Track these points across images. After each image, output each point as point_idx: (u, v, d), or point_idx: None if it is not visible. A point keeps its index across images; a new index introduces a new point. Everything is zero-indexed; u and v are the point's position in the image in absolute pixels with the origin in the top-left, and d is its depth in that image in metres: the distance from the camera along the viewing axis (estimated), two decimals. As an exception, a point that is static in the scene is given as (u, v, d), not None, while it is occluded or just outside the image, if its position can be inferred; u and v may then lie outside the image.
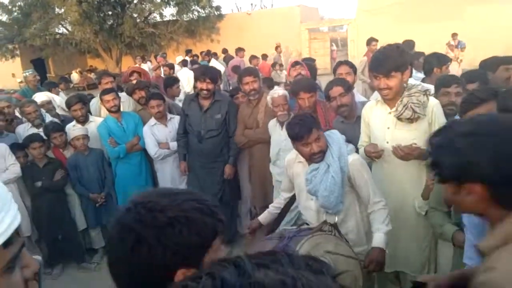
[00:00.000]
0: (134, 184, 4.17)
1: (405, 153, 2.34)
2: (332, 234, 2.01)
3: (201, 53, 13.45)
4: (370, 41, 7.61)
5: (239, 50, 9.96)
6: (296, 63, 4.14)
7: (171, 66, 8.13)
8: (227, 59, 10.57)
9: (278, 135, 3.43)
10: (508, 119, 1.12)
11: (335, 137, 2.32)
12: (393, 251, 2.51)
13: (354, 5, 19.72)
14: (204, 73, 3.85)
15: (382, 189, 2.42)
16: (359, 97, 3.61)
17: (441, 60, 3.98)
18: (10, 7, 16.17)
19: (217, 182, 3.97)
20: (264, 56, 12.21)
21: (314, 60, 5.91)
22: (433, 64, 3.90)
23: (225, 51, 12.61)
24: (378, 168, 2.61)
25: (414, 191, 2.48)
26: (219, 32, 18.60)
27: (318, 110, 3.27)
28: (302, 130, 2.18)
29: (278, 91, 3.39)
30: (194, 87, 4.21)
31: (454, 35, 10.61)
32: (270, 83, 4.74)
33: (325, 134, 2.32)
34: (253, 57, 10.29)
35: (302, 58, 7.18)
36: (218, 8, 18.37)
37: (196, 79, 3.93)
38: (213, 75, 3.89)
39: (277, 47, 13.76)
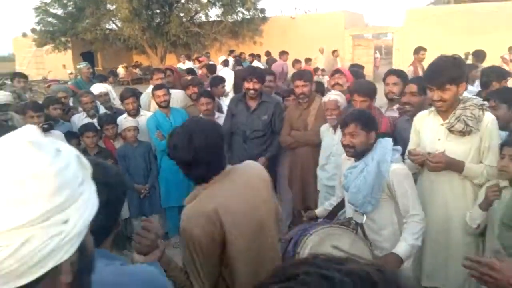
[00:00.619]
0: (176, 178, 4.26)
1: (434, 163, 2.31)
2: (354, 232, 2.16)
3: (241, 54, 13.59)
4: (419, 50, 7.38)
5: (283, 53, 9.96)
6: (336, 72, 4.17)
7: (211, 68, 8.23)
8: (269, 61, 10.61)
9: (330, 139, 3.42)
10: None
11: (383, 142, 2.30)
12: (433, 266, 2.46)
13: (401, 13, 19.27)
14: (251, 73, 3.94)
15: (427, 201, 2.37)
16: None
17: (500, 74, 3.82)
18: (65, 1, 16.99)
19: None
20: (307, 60, 12.16)
21: (362, 67, 5.80)
22: (492, 77, 3.75)
23: (268, 53, 12.66)
24: (424, 179, 2.54)
25: (458, 204, 2.42)
26: (262, 34, 18.69)
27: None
28: (343, 119, 2.37)
29: (330, 96, 3.38)
30: (236, 87, 4.30)
31: (510, 49, 10.12)
32: (319, 87, 4.70)
33: (378, 140, 2.32)
34: (296, 61, 10.26)
35: (350, 64, 7.07)
36: (262, 10, 18.47)
37: (243, 79, 4.00)
38: (260, 75, 3.96)
39: (334, 51, 13.66)
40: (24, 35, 18.18)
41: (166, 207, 4.37)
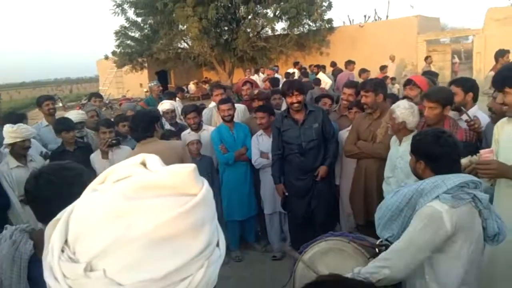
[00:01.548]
0: (238, 191, 4.29)
1: (483, 170, 2.06)
2: (369, 259, 1.92)
3: (309, 66, 13.45)
4: (503, 53, 6.64)
5: (349, 63, 9.61)
6: (408, 82, 3.93)
7: (274, 81, 8.22)
8: (335, 72, 10.32)
9: (395, 151, 3.17)
10: None
11: (439, 178, 1.83)
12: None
13: (482, 14, 17.82)
14: (290, 86, 3.82)
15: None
16: (481, 115, 3.17)
17: None
18: (142, 24, 18.25)
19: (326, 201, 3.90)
20: (382, 67, 11.62)
21: (436, 74, 5.36)
22: None
23: (333, 64, 12.35)
24: (504, 193, 2.22)
25: None
26: (329, 45, 18.39)
27: (445, 125, 2.92)
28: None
29: (398, 105, 3.12)
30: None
31: None
32: (393, 98, 4.40)
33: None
34: (362, 71, 9.86)
35: (423, 71, 6.57)
36: (329, 21, 18.18)
37: (284, 95, 3.97)
38: (300, 87, 3.85)
39: (427, 57, 13.03)
40: (106, 57, 19.80)
41: (228, 221, 4.36)
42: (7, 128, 3.44)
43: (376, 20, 23.22)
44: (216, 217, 0.61)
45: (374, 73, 13.35)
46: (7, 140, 3.38)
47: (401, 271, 1.77)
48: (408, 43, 17.37)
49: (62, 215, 0.57)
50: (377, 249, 1.99)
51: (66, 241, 0.54)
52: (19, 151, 3.47)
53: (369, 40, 18.19)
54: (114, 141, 3.87)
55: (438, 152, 1.88)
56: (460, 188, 1.78)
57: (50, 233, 0.56)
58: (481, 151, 2.24)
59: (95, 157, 3.88)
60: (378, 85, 3.58)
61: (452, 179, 1.79)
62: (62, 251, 0.53)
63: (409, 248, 1.76)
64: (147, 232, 0.51)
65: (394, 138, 3.25)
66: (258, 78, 12.61)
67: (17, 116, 4.16)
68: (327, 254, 2.08)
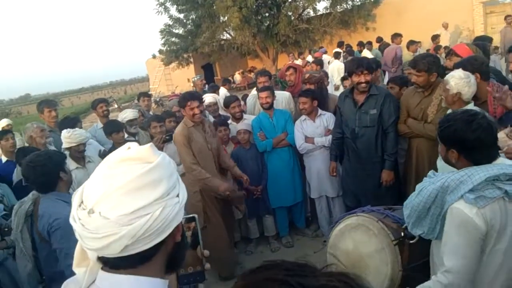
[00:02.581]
0: (283, 177, 4.29)
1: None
2: (393, 242, 2.03)
3: (358, 43, 12.92)
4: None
5: (396, 36, 9.09)
6: (448, 52, 3.63)
7: (319, 62, 8.05)
8: (382, 47, 9.84)
9: None
10: None
11: (475, 171, 1.68)
12: None
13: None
14: (359, 65, 3.57)
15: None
16: None
17: None
18: (185, 21, 18.61)
19: (377, 189, 3.64)
20: (434, 37, 10.84)
21: (489, 39, 4.93)
22: None
23: (379, 39, 11.75)
24: None
25: None
26: (375, 19, 17.59)
27: (489, 98, 2.72)
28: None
29: (452, 75, 2.91)
30: (343, 79, 4.01)
31: None
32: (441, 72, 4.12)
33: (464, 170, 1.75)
34: (411, 42, 9.32)
35: (474, 37, 6.09)
36: (373, -6, 17.39)
37: (350, 73, 3.68)
38: (369, 66, 3.59)
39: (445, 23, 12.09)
40: (154, 56, 20.47)
41: (276, 208, 4.37)
42: (64, 133, 3.70)
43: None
44: (175, 177, 0.90)
45: (426, 45, 12.60)
46: (64, 145, 3.67)
47: (467, 278, 1.69)
48: (462, 7, 16.16)
49: (83, 185, 0.88)
50: (402, 233, 2.02)
51: (82, 201, 0.85)
52: (75, 154, 3.72)
53: (418, 9, 17.12)
54: (167, 137, 4.02)
55: (472, 138, 1.69)
56: (490, 183, 1.62)
57: (74, 197, 0.87)
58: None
59: None
60: (432, 64, 3.23)
61: (479, 174, 1.63)
62: (79, 205, 0.84)
63: (460, 261, 1.67)
64: (122, 186, 0.80)
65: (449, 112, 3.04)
66: (300, 62, 12.40)
67: (71, 120, 4.43)
68: (356, 230, 2.21)
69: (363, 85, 3.53)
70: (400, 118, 3.55)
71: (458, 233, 1.66)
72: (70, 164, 3.61)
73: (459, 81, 2.73)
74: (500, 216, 1.63)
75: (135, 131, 4.67)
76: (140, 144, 0.88)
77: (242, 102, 5.14)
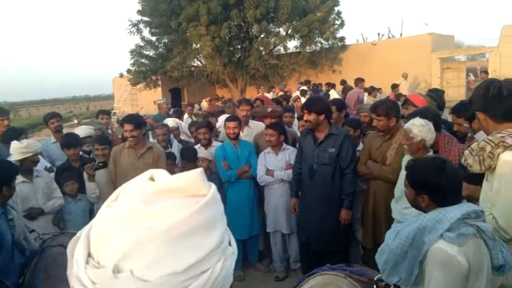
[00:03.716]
0: (241, 209, 4.24)
1: None
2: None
3: (319, 85, 13.40)
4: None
5: (359, 80, 9.54)
6: (404, 102, 3.88)
7: (285, 97, 8.28)
8: (345, 90, 10.26)
9: None
10: None
11: (450, 210, 1.71)
12: None
13: (497, 31, 17.64)
14: (307, 105, 3.71)
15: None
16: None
17: None
18: (156, 43, 18.61)
19: (332, 230, 3.65)
20: (394, 86, 11.51)
21: (441, 92, 5.28)
22: None
23: (343, 82, 12.29)
24: None
25: None
26: (342, 62, 18.41)
27: (440, 141, 2.94)
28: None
29: (408, 124, 3.04)
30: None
31: None
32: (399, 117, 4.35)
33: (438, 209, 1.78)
34: (372, 88, 9.79)
35: (428, 89, 6.49)
36: (342, 39, 18.23)
37: (302, 111, 3.83)
38: (310, 105, 3.66)
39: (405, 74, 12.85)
40: (121, 75, 20.16)
41: (231, 240, 4.29)
42: (16, 144, 3.42)
43: (390, 38, 23.20)
44: (225, 218, 0.65)
45: (387, 91, 13.29)
46: (16, 157, 3.34)
47: None
48: (421, 61, 17.28)
49: (82, 232, 0.62)
50: (374, 286, 1.90)
51: (89, 254, 0.59)
52: (29, 165, 3.44)
53: (382, 58, 18.16)
54: (100, 164, 3.83)
55: (443, 184, 1.74)
56: (462, 221, 1.66)
57: (72, 249, 0.61)
58: None
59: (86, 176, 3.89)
60: (391, 109, 3.40)
61: (454, 212, 1.67)
62: (87, 262, 0.58)
63: None
64: (165, 231, 0.55)
65: (407, 157, 3.14)
66: (270, 96, 12.64)
67: (15, 131, 4.14)
68: None
69: (307, 123, 3.64)
70: (361, 159, 3.66)
71: (442, 273, 1.64)
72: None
73: (421, 128, 2.85)
74: (476, 253, 1.66)
75: (88, 149, 4.48)
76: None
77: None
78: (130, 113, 19.04)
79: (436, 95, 4.37)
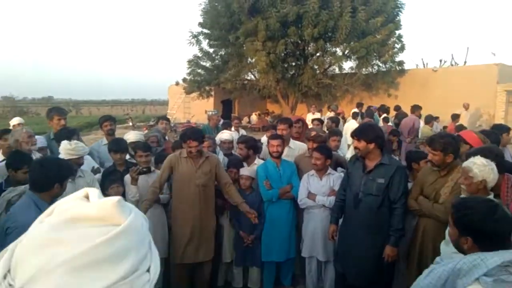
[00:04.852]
0: (280, 230, 4.13)
1: None
2: None
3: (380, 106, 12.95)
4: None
5: (416, 108, 9.09)
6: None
7: (335, 120, 8.10)
8: (399, 116, 9.83)
9: None
10: None
11: (478, 256, 1.62)
12: None
13: None
14: (357, 132, 3.49)
15: None
16: None
17: None
18: (213, 55, 19.14)
19: (373, 265, 3.41)
20: (454, 116, 10.88)
21: (507, 129, 4.84)
22: None
23: (397, 108, 11.81)
24: None
25: None
26: (398, 87, 17.83)
27: (503, 184, 2.67)
28: None
29: (466, 162, 2.80)
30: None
31: None
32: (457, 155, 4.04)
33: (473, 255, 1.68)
34: (430, 117, 9.28)
35: (492, 124, 6.01)
36: (400, 63, 17.72)
37: (352, 137, 3.65)
38: (368, 135, 3.41)
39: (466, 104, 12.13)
40: (177, 83, 20.93)
41: (265, 261, 4.19)
42: (65, 144, 3.56)
43: (452, 65, 22.21)
44: (147, 243, 0.66)
45: (445, 121, 12.62)
46: (63, 156, 3.48)
47: None
48: (485, 92, 16.32)
49: (13, 244, 0.63)
50: None
51: (9, 270, 0.59)
52: (73, 167, 3.59)
53: (442, 85, 17.37)
54: (144, 169, 3.91)
55: (492, 229, 1.65)
56: (503, 268, 1.54)
57: None
58: None
59: (127, 179, 3.95)
60: (449, 145, 3.12)
61: (493, 258, 1.56)
62: (5, 277, 0.59)
63: None
64: (68, 260, 0.55)
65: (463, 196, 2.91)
66: (315, 116, 12.48)
67: (69, 132, 4.33)
68: None
69: (357, 150, 3.47)
70: (413, 193, 3.42)
71: None
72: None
73: (483, 168, 2.62)
74: None
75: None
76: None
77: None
78: (182, 120, 19.62)
79: (492, 132, 4.03)
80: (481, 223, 1.67)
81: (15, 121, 6.78)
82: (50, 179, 2.44)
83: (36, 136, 4.18)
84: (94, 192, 0.66)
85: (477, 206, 1.72)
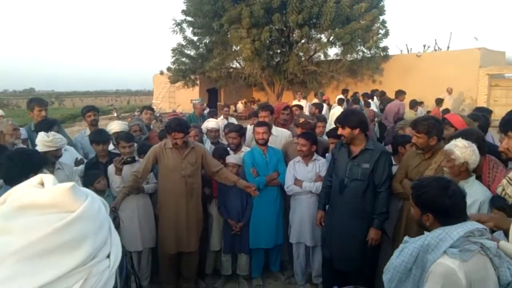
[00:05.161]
0: (267, 218, 4.15)
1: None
2: None
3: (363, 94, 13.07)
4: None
5: (400, 93, 9.16)
6: (443, 122, 3.59)
7: (319, 106, 8.13)
8: (384, 102, 9.91)
9: None
10: None
11: (443, 230, 1.77)
12: None
13: (553, 50, 16.61)
14: (341, 119, 3.49)
15: None
16: None
17: None
18: (198, 43, 18.89)
19: (358, 250, 3.46)
20: (439, 101, 11.02)
21: (488, 111, 4.95)
22: None
23: (382, 93, 11.89)
24: None
25: None
26: (383, 73, 17.93)
27: (484, 165, 2.73)
28: None
29: (448, 145, 2.83)
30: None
31: None
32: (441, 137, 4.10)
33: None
34: (414, 102, 9.37)
35: (475, 107, 6.11)
36: (384, 49, 17.78)
37: (336, 123, 3.66)
38: (341, 120, 3.47)
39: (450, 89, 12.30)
40: (161, 72, 20.63)
41: (253, 248, 4.21)
42: (42, 136, 3.43)
43: (436, 50, 22.40)
44: (106, 229, 0.64)
45: (429, 106, 12.77)
46: (41, 148, 3.36)
47: None
48: (468, 76, 16.53)
49: None
50: None
51: None
52: (51, 159, 3.47)
53: (426, 70, 17.52)
54: (128, 159, 3.86)
55: (447, 204, 1.79)
56: (466, 239, 1.69)
57: None
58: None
59: (111, 169, 3.91)
60: (433, 127, 3.14)
61: (456, 230, 1.71)
62: None
63: None
64: (20, 249, 0.54)
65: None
66: (305, 103, 12.50)
67: (49, 123, 4.23)
68: None
69: (342, 137, 3.49)
70: (397, 177, 3.47)
71: (437, 284, 1.67)
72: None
73: (464, 150, 2.65)
74: (481, 269, 1.68)
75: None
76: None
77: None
78: (167, 110, 19.42)
79: (482, 115, 4.09)
80: (437, 198, 1.81)
81: (-6, 113, 6.61)
82: (22, 171, 2.39)
83: None
84: (49, 178, 0.64)
85: (431, 184, 1.87)
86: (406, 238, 1.95)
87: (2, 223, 0.56)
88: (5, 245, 0.54)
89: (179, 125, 3.71)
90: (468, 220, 1.82)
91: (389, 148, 4.25)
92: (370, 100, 10.23)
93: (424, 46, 24.03)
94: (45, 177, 0.64)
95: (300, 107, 6.67)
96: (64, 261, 0.56)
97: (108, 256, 0.64)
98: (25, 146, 3.90)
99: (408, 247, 1.82)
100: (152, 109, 6.67)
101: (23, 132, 4.26)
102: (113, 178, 3.84)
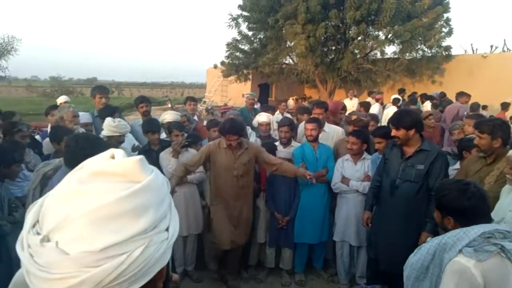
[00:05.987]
0: (314, 213, 4.13)
1: None
2: None
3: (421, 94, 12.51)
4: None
5: (461, 95, 8.61)
6: None
7: (366, 105, 7.90)
8: (444, 103, 9.39)
9: (509, 202, 2.64)
10: None
11: (461, 230, 1.77)
12: None
13: None
14: (393, 120, 3.36)
15: None
16: None
17: None
18: (252, 38, 19.00)
19: (407, 252, 3.32)
20: (505, 105, 10.30)
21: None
22: None
23: (442, 94, 11.28)
24: None
25: None
26: (443, 73, 17.01)
27: None
28: None
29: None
30: None
31: None
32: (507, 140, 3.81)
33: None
34: (477, 106, 8.80)
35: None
36: (447, 48, 16.79)
37: (389, 125, 3.55)
38: (395, 121, 3.34)
39: None
40: (215, 66, 21.04)
41: (297, 243, 4.20)
42: (109, 121, 3.74)
43: (504, 51, 20.88)
44: (167, 204, 0.69)
45: (494, 111, 11.95)
46: (106, 133, 3.66)
47: None
48: (540, 80, 15.23)
49: (42, 198, 0.68)
50: None
51: (38, 220, 0.64)
52: (114, 144, 3.67)
53: (492, 72, 16.37)
54: (186, 143, 4.05)
55: (466, 206, 1.81)
56: (485, 239, 1.67)
57: (28, 212, 0.67)
58: None
59: (164, 155, 4.06)
60: (498, 128, 2.97)
61: (474, 230, 1.70)
62: (34, 226, 0.64)
63: None
64: (91, 211, 0.59)
65: (508, 187, 2.74)
66: (354, 103, 12.19)
67: (111, 109, 4.48)
68: None
69: (395, 139, 3.34)
70: None
71: (454, 283, 1.66)
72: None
73: None
74: (499, 271, 1.64)
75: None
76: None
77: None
78: (219, 104, 19.79)
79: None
80: (456, 201, 1.83)
81: (61, 99, 7.12)
82: (86, 155, 2.52)
83: (82, 113, 4.37)
84: (119, 152, 0.69)
85: (450, 187, 1.88)
86: (428, 239, 1.95)
87: (77, 186, 0.62)
88: (78, 206, 0.60)
89: (233, 128, 3.71)
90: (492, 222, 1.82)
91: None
92: (428, 101, 9.76)
93: (492, 46, 22.45)
94: (116, 151, 0.70)
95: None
96: (128, 227, 0.61)
97: (167, 230, 0.68)
98: (84, 130, 4.17)
99: (426, 245, 1.85)
100: (195, 100, 6.81)
101: (86, 116, 4.56)
102: (168, 162, 3.99)
